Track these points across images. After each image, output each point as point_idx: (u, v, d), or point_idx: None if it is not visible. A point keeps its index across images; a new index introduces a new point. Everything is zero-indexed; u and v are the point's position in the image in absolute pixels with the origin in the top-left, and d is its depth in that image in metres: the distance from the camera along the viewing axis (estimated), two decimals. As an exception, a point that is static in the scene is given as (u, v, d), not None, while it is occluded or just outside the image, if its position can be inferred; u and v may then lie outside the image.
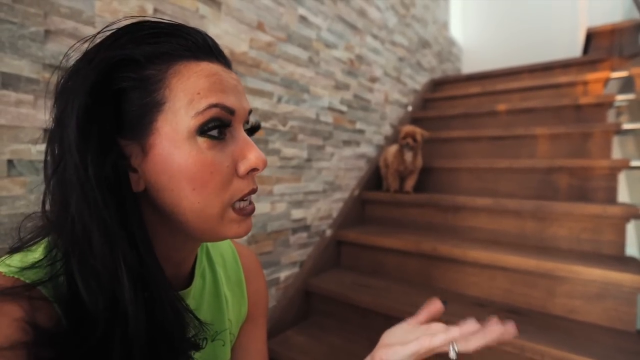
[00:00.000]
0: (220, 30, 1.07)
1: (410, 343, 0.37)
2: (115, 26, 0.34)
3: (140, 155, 0.32)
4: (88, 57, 0.31)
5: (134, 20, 0.34)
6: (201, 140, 0.32)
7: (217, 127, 0.32)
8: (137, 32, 0.32)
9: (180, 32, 0.33)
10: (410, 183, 1.67)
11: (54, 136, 0.31)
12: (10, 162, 0.67)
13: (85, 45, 0.33)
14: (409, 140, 1.58)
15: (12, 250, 0.33)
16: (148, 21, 0.33)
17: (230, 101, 0.33)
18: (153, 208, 0.34)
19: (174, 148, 0.31)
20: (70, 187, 0.29)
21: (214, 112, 0.32)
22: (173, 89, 0.32)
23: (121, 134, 0.32)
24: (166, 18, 0.96)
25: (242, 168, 0.34)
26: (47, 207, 0.33)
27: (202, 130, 0.32)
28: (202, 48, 0.34)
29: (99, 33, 0.33)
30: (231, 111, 0.33)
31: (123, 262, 0.30)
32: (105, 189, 0.29)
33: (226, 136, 0.34)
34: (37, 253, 0.32)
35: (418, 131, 1.61)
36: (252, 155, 0.34)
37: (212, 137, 0.32)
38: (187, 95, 0.32)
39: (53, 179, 0.31)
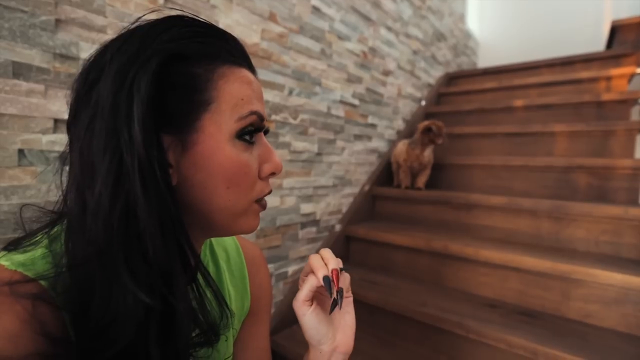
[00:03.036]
0: (232, 20, 1.05)
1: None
2: (150, 16, 0.34)
3: (180, 151, 0.32)
4: (138, 43, 0.30)
5: (173, 14, 0.34)
6: (238, 143, 0.34)
7: (252, 132, 0.35)
8: (184, 27, 0.32)
9: (224, 35, 0.35)
10: (422, 179, 1.64)
11: (101, 123, 0.29)
12: (21, 152, 0.67)
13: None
14: (439, 141, 1.55)
15: (12, 243, 0.32)
16: (189, 17, 0.34)
17: (262, 109, 0.36)
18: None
19: (216, 148, 0.33)
20: (126, 179, 0.28)
21: (253, 118, 0.35)
22: (220, 90, 0.33)
23: (163, 128, 0.32)
24: (177, 7, 0.95)
25: (264, 171, 0.37)
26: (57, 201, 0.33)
27: (241, 133, 0.34)
28: (241, 55, 0.36)
29: (140, 18, 0.33)
30: (263, 118, 0.36)
31: (180, 257, 0.30)
32: (165, 182, 0.30)
33: (255, 141, 0.36)
34: (38, 252, 0.31)
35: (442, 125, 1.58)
36: (274, 160, 0.38)
37: (246, 141, 0.35)
38: (232, 98, 0.33)
39: (102, 169, 0.28)
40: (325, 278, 0.38)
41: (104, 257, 0.28)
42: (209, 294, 0.35)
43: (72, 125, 0.31)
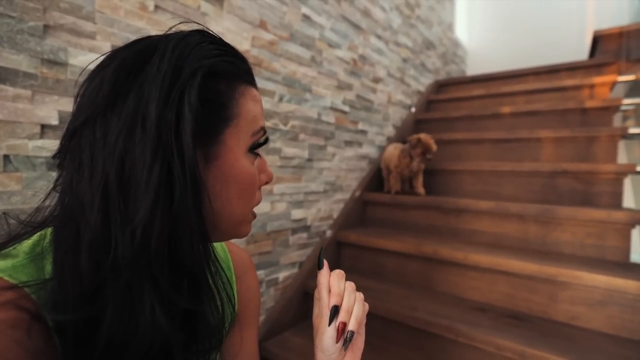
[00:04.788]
0: (222, 28, 1.06)
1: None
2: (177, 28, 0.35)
3: (203, 162, 0.33)
4: (176, 59, 0.31)
5: (196, 28, 0.35)
6: (250, 156, 0.37)
7: (260, 145, 0.38)
8: (211, 44, 0.34)
9: (242, 56, 0.38)
10: (419, 184, 1.66)
11: (143, 135, 0.28)
12: (6, 158, 0.67)
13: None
14: (429, 156, 1.58)
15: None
16: (210, 34, 0.35)
17: (264, 124, 0.39)
18: None
19: (235, 160, 0.35)
20: (175, 190, 0.29)
21: (262, 134, 0.38)
22: (240, 107, 0.35)
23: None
24: (167, 15, 0.95)
25: (261, 181, 0.39)
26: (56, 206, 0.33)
27: (252, 147, 0.37)
28: (252, 75, 0.39)
29: (171, 28, 0.35)
30: (266, 133, 0.39)
31: (207, 261, 0.33)
32: (203, 193, 0.32)
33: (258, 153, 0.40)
34: (20, 258, 0.30)
35: (433, 142, 1.59)
36: (268, 171, 0.41)
37: (255, 154, 0.38)
38: (249, 115, 0.36)
39: (148, 180, 0.28)
40: (334, 307, 0.41)
41: (133, 270, 0.28)
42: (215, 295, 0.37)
43: (83, 131, 0.30)
